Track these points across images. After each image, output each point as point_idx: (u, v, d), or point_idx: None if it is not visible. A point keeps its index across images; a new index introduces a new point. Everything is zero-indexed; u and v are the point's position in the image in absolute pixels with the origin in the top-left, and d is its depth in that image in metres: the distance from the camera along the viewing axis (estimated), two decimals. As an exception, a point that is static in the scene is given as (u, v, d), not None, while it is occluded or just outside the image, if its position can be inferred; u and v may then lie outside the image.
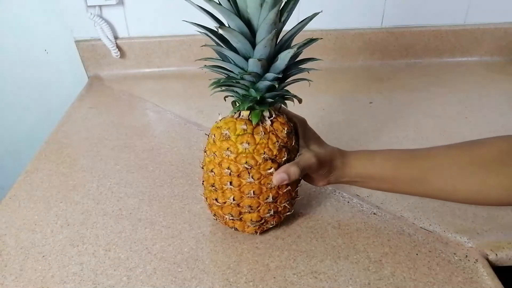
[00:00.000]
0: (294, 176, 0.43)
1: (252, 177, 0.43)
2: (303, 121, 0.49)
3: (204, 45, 0.43)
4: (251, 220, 0.46)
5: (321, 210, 0.54)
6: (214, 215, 0.49)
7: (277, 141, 0.43)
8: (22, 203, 0.57)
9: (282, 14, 0.39)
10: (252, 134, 0.43)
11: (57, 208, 0.56)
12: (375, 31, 0.98)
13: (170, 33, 0.96)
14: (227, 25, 0.39)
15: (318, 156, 0.45)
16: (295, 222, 0.52)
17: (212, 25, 0.40)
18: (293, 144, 0.45)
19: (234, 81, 0.42)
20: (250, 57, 0.40)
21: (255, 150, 0.42)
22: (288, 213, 0.49)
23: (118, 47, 0.96)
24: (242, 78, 0.41)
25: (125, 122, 0.79)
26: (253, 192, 0.44)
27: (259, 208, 0.45)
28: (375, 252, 0.48)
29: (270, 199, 0.44)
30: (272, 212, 0.46)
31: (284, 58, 0.40)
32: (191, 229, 0.52)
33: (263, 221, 0.47)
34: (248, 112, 0.44)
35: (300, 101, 0.45)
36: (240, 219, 0.46)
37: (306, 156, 0.45)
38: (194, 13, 0.42)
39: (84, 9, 0.90)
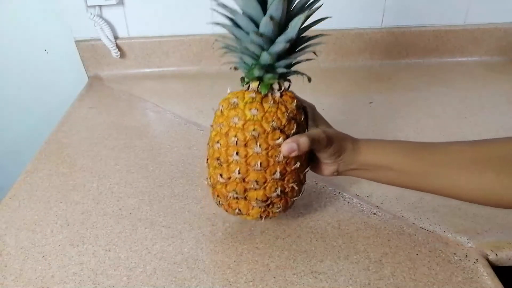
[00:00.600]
0: (303, 147, 0.42)
1: (259, 146, 0.41)
2: (312, 107, 0.48)
3: (215, 9, 0.43)
4: (256, 198, 0.43)
5: (321, 210, 0.54)
6: (218, 196, 0.46)
7: (286, 111, 0.42)
8: (22, 203, 0.57)
9: None
10: (261, 103, 0.42)
11: (57, 208, 0.56)
12: (375, 31, 0.98)
13: (170, 33, 0.96)
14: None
15: (327, 133, 0.44)
16: (295, 222, 0.52)
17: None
18: (302, 119, 0.45)
19: (244, 45, 0.41)
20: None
21: (263, 118, 0.41)
22: (296, 198, 0.47)
23: (118, 47, 0.96)
24: (253, 42, 0.40)
25: (125, 122, 0.79)
26: (260, 163, 0.42)
27: (265, 184, 0.43)
28: (375, 252, 0.48)
29: (278, 175, 0.43)
30: (279, 192, 0.43)
31: (295, 25, 0.39)
32: (191, 229, 0.52)
33: (269, 201, 0.44)
34: (257, 83, 0.43)
35: (309, 79, 0.44)
36: (245, 198, 0.44)
37: (316, 130, 0.44)
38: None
39: (84, 9, 0.90)
